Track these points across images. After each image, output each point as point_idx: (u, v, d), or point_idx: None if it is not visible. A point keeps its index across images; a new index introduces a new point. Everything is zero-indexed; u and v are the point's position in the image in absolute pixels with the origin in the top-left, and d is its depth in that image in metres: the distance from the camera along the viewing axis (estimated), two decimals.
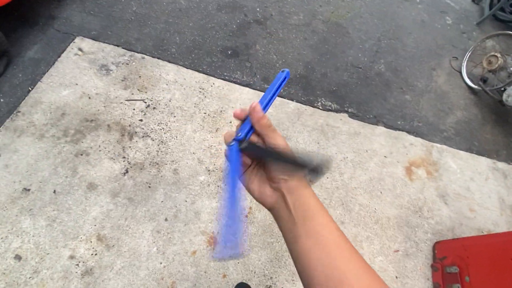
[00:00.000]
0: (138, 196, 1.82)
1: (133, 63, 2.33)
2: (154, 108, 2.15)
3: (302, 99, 2.48)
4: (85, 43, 2.35)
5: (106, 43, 2.39)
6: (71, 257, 1.60)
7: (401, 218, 2.05)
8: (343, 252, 0.39)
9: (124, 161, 1.92)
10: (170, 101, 2.21)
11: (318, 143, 2.25)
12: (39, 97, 2.04)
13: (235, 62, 2.56)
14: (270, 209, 0.47)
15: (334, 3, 3.26)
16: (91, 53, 2.31)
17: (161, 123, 2.10)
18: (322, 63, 2.76)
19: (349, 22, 3.13)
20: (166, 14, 2.71)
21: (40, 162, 1.82)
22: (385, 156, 2.29)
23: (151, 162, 1.95)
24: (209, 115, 2.20)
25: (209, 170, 1.98)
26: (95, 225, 1.70)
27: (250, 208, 1.90)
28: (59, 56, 2.24)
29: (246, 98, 2.34)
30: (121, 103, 2.13)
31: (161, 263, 1.66)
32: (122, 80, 2.23)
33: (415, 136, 2.48)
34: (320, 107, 2.47)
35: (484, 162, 2.45)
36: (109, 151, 1.93)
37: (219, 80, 2.40)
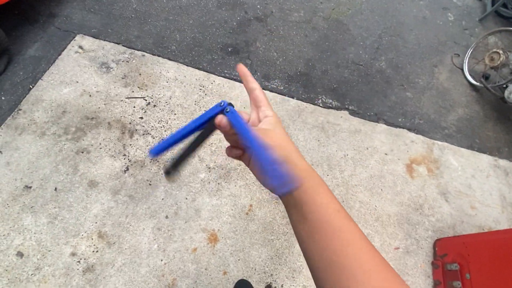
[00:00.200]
0: (138, 194, 1.83)
1: (133, 61, 2.33)
2: (154, 105, 2.15)
3: (303, 96, 2.48)
4: (86, 41, 2.35)
5: (107, 40, 2.39)
6: (73, 254, 1.61)
7: (402, 215, 2.05)
8: (344, 235, 0.36)
9: (124, 159, 1.92)
10: (170, 98, 2.21)
11: (318, 140, 2.25)
12: (40, 95, 2.04)
13: (235, 60, 2.55)
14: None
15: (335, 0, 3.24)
16: (91, 50, 2.31)
17: (162, 120, 2.10)
18: (322, 60, 2.75)
19: (350, 19, 3.11)
20: (166, 11, 2.70)
21: (41, 159, 1.83)
22: (385, 154, 2.29)
23: (151, 159, 1.95)
24: None
25: (209, 168, 1.98)
26: (96, 223, 1.71)
27: (251, 205, 1.91)
28: (59, 54, 2.25)
29: (246, 95, 2.33)
30: (122, 100, 2.13)
31: (161, 260, 1.67)
32: (123, 78, 2.23)
33: (416, 133, 2.47)
34: (321, 105, 2.46)
35: (485, 160, 2.44)
36: (109, 149, 1.94)
37: (220, 77, 2.40)
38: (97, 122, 2.02)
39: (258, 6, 2.95)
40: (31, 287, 1.51)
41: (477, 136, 2.60)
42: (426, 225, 2.05)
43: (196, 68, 2.41)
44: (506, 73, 2.70)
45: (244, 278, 1.69)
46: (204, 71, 2.41)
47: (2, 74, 2.08)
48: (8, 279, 1.51)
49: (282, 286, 1.71)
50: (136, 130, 2.04)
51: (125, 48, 2.39)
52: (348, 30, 3.02)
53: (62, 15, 2.47)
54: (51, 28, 2.37)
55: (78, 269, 1.58)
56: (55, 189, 1.76)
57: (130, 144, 1.98)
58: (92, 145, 1.93)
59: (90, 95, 2.11)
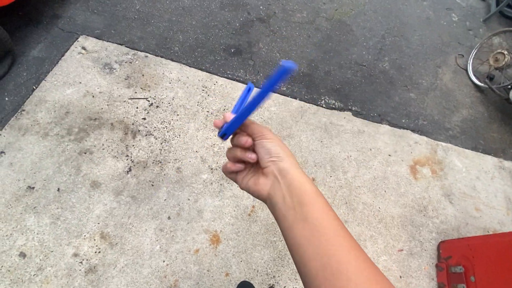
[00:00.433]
0: (141, 195, 1.83)
1: (136, 62, 2.33)
2: (157, 106, 2.16)
3: (306, 97, 2.47)
4: (89, 42, 2.36)
5: (110, 41, 2.40)
6: (75, 254, 1.61)
7: (406, 217, 2.04)
8: (342, 241, 0.37)
9: (127, 160, 1.92)
10: (173, 99, 2.21)
11: (321, 141, 2.24)
12: (43, 95, 2.05)
13: (238, 60, 2.55)
14: (266, 199, 0.45)
15: (338, 0, 3.23)
16: (94, 51, 2.32)
17: (164, 121, 2.10)
18: (325, 61, 2.74)
19: (353, 19, 3.10)
20: (169, 12, 2.71)
21: (44, 160, 1.83)
22: (389, 155, 2.27)
23: (154, 160, 1.95)
24: (212, 114, 2.19)
25: (212, 169, 1.98)
26: (98, 223, 1.71)
27: (253, 206, 1.90)
28: (63, 55, 2.25)
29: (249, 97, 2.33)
30: (124, 101, 2.13)
31: (164, 261, 1.66)
32: (126, 79, 2.23)
33: (420, 134, 2.45)
34: (324, 105, 2.45)
35: (490, 161, 2.42)
36: (112, 150, 1.94)
37: (222, 78, 2.39)
38: (100, 123, 2.02)
39: (261, 7, 2.95)
40: None
41: (482, 138, 2.58)
42: (430, 227, 2.03)
43: (199, 69, 2.41)
44: (511, 73, 2.68)
45: (247, 279, 1.68)
46: (206, 72, 2.41)
47: (5, 75, 2.09)
48: (11, 279, 1.51)
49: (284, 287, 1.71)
50: (139, 131, 2.04)
51: (128, 49, 2.39)
52: (351, 30, 3.01)
53: (66, 16, 2.48)
54: (54, 29, 2.38)
55: (80, 270, 1.58)
56: (58, 189, 1.76)
57: (133, 145, 1.98)
58: (95, 146, 1.93)
59: (93, 96, 2.11)
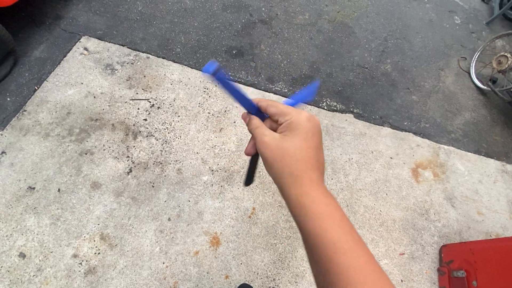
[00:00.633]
0: (141, 196, 1.82)
1: (138, 63, 2.33)
2: (158, 107, 2.15)
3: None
4: (91, 43, 2.36)
5: (112, 42, 2.40)
6: (75, 255, 1.61)
7: (407, 220, 2.02)
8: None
9: (128, 161, 1.92)
10: (174, 100, 2.20)
11: (323, 144, 2.22)
12: (45, 96, 2.05)
13: (240, 62, 2.55)
14: None
15: (340, 2, 3.23)
16: (96, 52, 2.32)
17: (165, 122, 2.10)
18: (327, 63, 2.73)
19: (355, 21, 3.10)
20: (171, 14, 2.71)
21: (45, 160, 1.83)
22: (391, 158, 2.26)
23: (155, 161, 1.95)
24: (213, 115, 2.19)
25: (212, 170, 1.97)
26: (98, 224, 1.71)
27: (254, 208, 1.89)
28: (65, 56, 2.26)
29: (251, 97, 2.33)
30: (126, 102, 2.13)
31: (163, 263, 1.66)
32: (127, 80, 2.23)
33: (422, 137, 2.44)
34: (325, 107, 2.44)
35: (492, 165, 2.40)
36: (113, 150, 1.94)
37: None
38: (101, 124, 2.02)
39: (263, 9, 2.95)
40: None
41: (484, 141, 2.56)
42: (432, 231, 2.01)
43: (201, 70, 2.41)
44: None
45: (246, 282, 1.67)
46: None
47: (8, 75, 2.10)
48: (10, 280, 1.51)
49: None
50: (140, 132, 2.04)
51: (130, 50, 2.39)
52: (354, 33, 3.01)
53: (68, 17, 2.49)
54: (57, 30, 2.39)
55: (80, 271, 1.58)
56: (58, 190, 1.76)
57: (134, 146, 1.98)
58: (95, 147, 1.93)
59: (94, 97, 2.12)
